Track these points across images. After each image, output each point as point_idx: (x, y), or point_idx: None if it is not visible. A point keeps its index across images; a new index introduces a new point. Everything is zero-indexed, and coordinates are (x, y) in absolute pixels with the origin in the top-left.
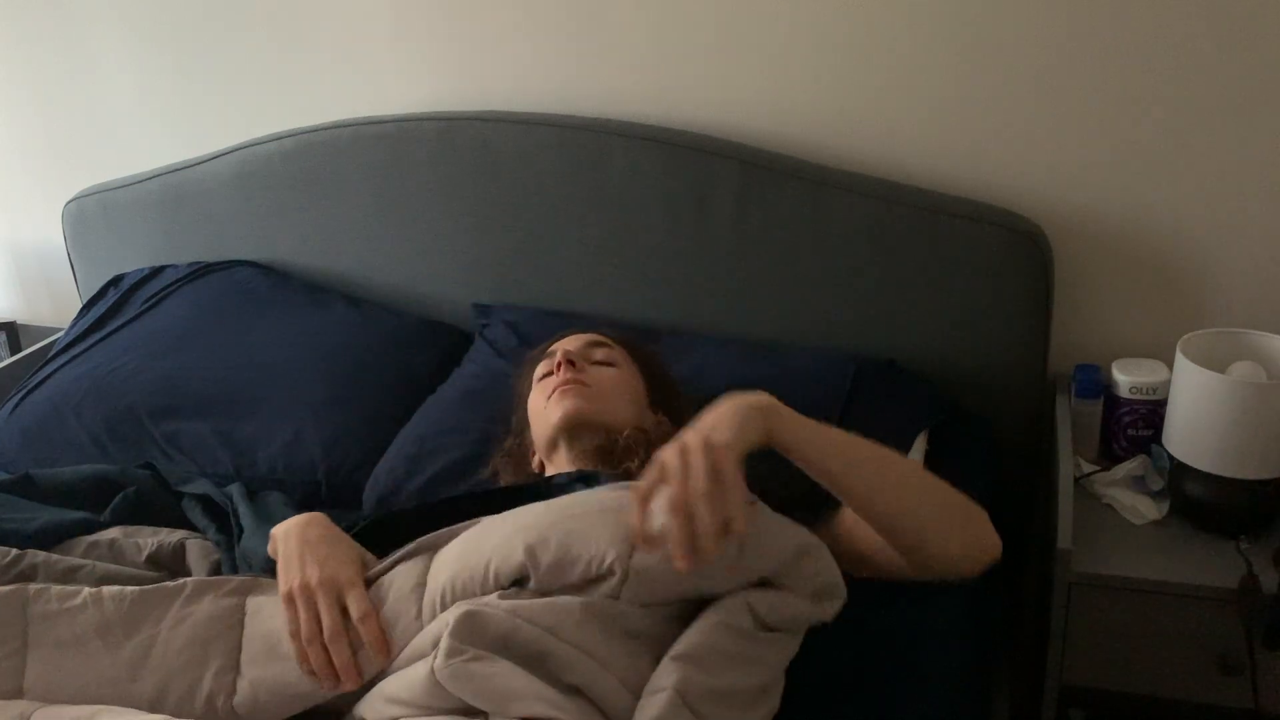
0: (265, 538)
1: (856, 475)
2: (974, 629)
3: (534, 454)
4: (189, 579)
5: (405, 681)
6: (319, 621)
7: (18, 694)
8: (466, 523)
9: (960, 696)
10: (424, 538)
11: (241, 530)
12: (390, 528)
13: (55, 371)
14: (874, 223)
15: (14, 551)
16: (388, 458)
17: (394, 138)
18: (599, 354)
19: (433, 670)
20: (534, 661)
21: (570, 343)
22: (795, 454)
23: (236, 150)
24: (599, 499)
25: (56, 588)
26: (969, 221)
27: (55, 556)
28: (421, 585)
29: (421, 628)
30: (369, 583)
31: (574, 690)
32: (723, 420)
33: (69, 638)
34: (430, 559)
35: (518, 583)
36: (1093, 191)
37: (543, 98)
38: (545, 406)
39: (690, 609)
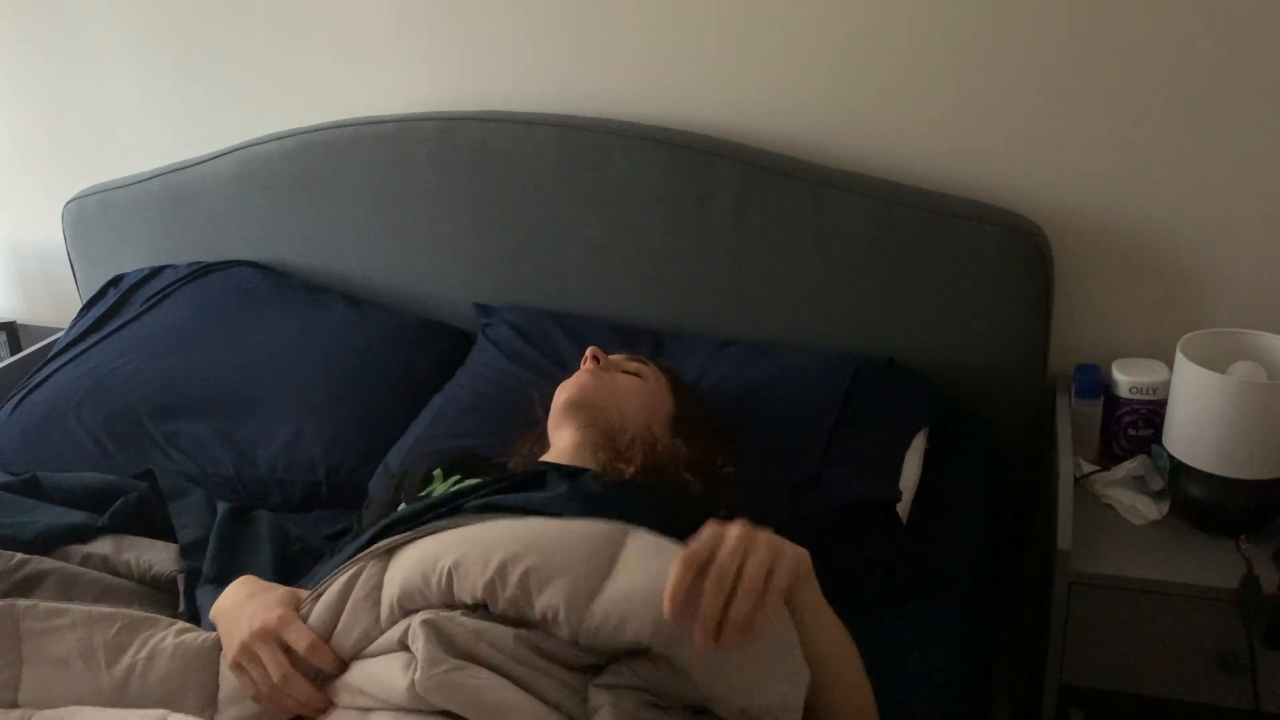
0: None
1: (817, 645)
2: (974, 629)
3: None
4: (178, 621)
5: (373, 678)
6: (271, 683)
7: (13, 706)
8: (428, 527)
9: (960, 696)
10: (379, 545)
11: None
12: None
13: (55, 371)
14: (874, 223)
15: (19, 556)
16: (402, 449)
17: (394, 138)
18: (630, 366)
19: (413, 683)
20: (502, 675)
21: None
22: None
23: (236, 150)
24: (571, 528)
25: (44, 604)
26: (969, 221)
27: (60, 563)
28: (379, 588)
29: (381, 632)
30: (319, 597)
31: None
32: (787, 559)
33: (57, 657)
34: (387, 562)
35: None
36: (1093, 191)
37: (542, 98)
38: (560, 389)
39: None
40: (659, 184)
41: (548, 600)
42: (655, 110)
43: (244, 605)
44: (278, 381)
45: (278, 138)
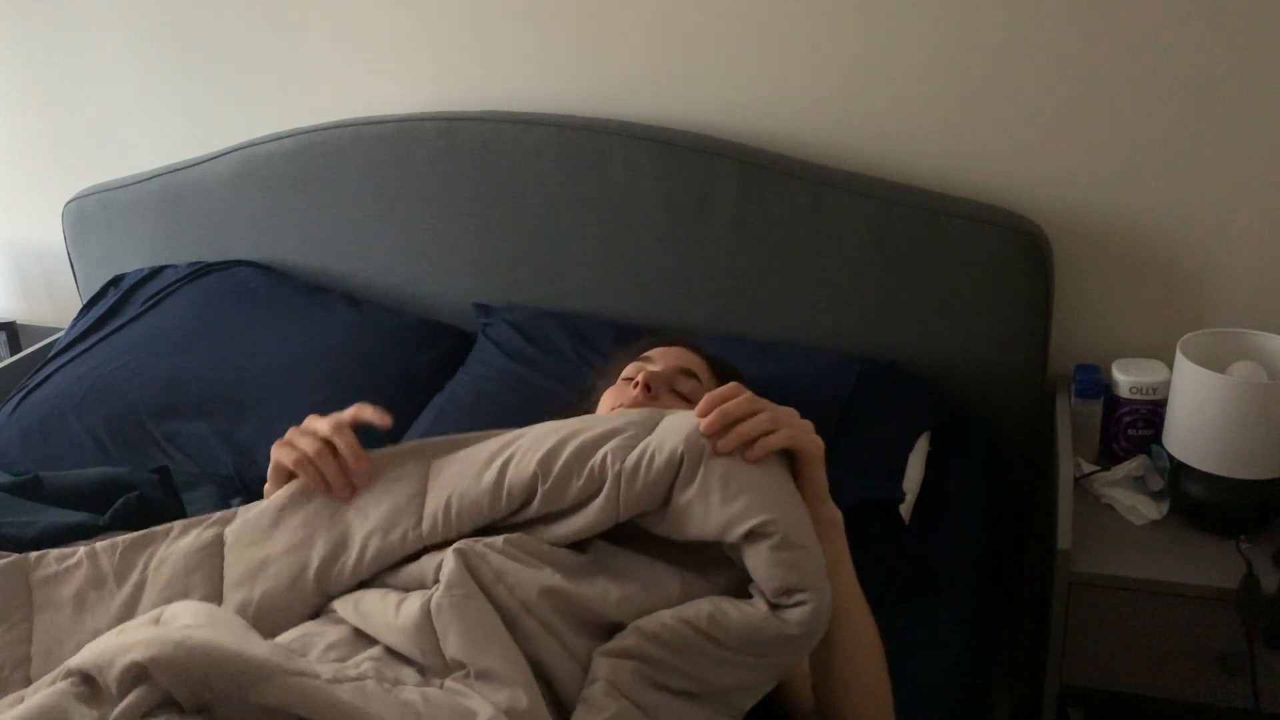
0: None
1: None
2: (974, 629)
3: None
4: (178, 521)
5: (385, 609)
6: (318, 440)
7: (25, 661)
8: (466, 435)
9: (960, 696)
10: (419, 441)
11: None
12: None
13: (55, 371)
14: (875, 223)
15: (15, 557)
16: None
17: (394, 138)
18: (684, 386)
19: (428, 600)
20: (508, 623)
21: (664, 358)
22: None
23: (236, 150)
24: (621, 415)
25: (55, 551)
26: (969, 222)
27: None
28: (421, 494)
29: (421, 538)
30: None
31: (539, 665)
32: (812, 432)
33: (67, 596)
34: (427, 465)
35: (525, 504)
36: (1092, 192)
37: (543, 98)
38: (608, 414)
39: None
40: (659, 184)
41: (598, 458)
42: (655, 110)
43: None
44: (278, 381)
45: (278, 138)
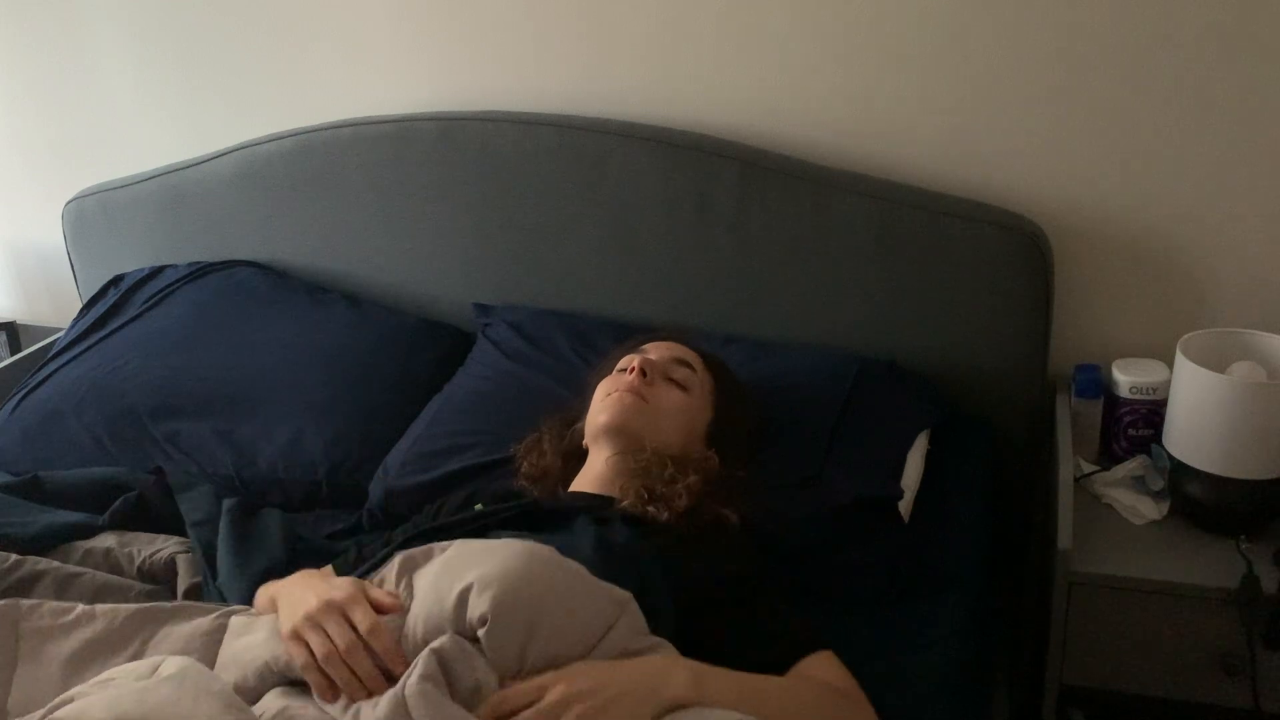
0: (242, 582)
1: None
2: (974, 629)
3: (583, 433)
4: (185, 602)
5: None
6: (333, 643)
7: (2, 714)
8: (444, 544)
9: (960, 696)
10: (405, 555)
11: (216, 570)
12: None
13: (55, 371)
14: (875, 223)
15: (14, 557)
16: (400, 451)
17: (394, 138)
18: (678, 373)
19: (403, 687)
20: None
21: (658, 349)
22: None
23: (236, 150)
24: (568, 572)
25: (50, 604)
26: (969, 222)
27: (56, 563)
28: (405, 611)
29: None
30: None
31: None
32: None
33: (57, 654)
34: (411, 581)
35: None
36: (1093, 191)
37: (543, 98)
38: (602, 400)
39: None
40: (659, 184)
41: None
42: (655, 111)
43: (310, 579)
44: (278, 381)
45: (278, 138)
